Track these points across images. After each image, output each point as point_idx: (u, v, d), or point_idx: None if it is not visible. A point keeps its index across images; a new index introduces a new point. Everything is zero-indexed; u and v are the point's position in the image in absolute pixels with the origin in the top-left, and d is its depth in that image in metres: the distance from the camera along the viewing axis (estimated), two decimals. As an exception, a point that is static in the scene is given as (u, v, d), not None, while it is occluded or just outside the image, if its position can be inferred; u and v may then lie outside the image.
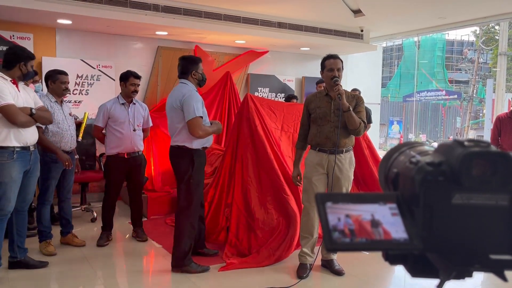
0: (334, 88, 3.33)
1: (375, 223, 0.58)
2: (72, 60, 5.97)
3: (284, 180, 4.06)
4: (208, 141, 3.61)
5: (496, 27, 14.74)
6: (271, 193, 4.05)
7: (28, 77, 3.51)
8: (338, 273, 3.59)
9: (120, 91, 4.42)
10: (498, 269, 0.59)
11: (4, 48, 5.11)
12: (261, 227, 3.93)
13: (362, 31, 7.16)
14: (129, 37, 6.39)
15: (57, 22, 5.58)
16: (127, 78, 4.33)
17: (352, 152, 3.52)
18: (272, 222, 3.93)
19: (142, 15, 5.47)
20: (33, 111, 3.38)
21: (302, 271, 3.53)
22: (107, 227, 4.42)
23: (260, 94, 7.44)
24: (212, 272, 3.61)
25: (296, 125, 4.47)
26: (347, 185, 3.49)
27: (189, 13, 5.77)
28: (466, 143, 0.59)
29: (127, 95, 4.36)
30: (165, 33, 6.21)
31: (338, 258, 3.71)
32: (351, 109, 3.30)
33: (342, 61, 3.49)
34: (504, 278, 0.58)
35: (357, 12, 6.07)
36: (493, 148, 0.59)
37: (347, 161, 3.46)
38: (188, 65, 3.58)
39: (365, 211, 0.59)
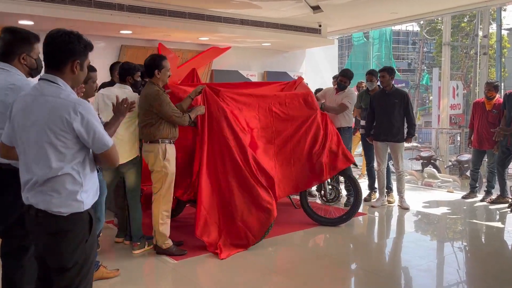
0: None
1: None
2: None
3: (255, 166, 4.22)
4: None
5: (439, 18, 15.69)
6: (242, 181, 4.16)
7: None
8: None
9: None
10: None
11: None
12: (239, 216, 4.11)
13: (320, 26, 7.48)
14: (93, 36, 6.32)
15: (18, 23, 5.46)
16: None
17: None
18: (251, 210, 4.13)
19: (107, 15, 5.48)
20: None
21: None
22: None
23: (225, 90, 7.58)
24: (205, 261, 3.79)
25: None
26: None
27: (154, 12, 5.83)
28: None
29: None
30: (130, 32, 6.23)
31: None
32: None
33: None
34: None
35: (316, 8, 6.36)
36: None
37: None
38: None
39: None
